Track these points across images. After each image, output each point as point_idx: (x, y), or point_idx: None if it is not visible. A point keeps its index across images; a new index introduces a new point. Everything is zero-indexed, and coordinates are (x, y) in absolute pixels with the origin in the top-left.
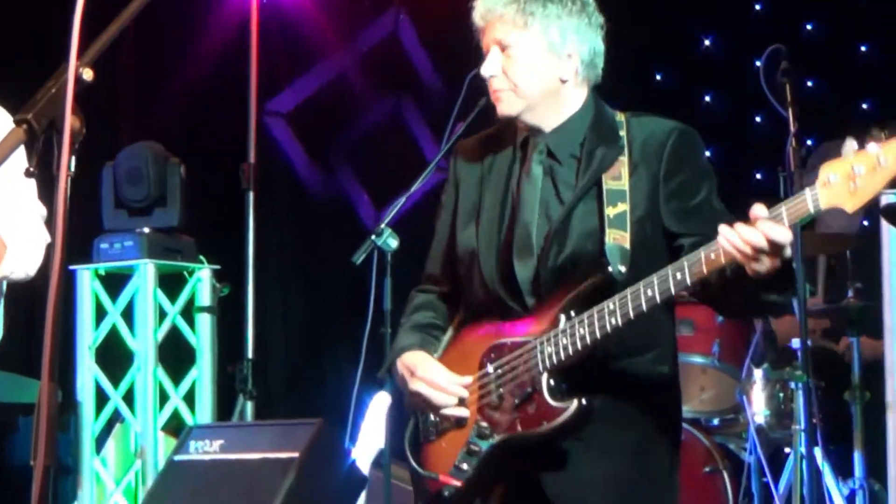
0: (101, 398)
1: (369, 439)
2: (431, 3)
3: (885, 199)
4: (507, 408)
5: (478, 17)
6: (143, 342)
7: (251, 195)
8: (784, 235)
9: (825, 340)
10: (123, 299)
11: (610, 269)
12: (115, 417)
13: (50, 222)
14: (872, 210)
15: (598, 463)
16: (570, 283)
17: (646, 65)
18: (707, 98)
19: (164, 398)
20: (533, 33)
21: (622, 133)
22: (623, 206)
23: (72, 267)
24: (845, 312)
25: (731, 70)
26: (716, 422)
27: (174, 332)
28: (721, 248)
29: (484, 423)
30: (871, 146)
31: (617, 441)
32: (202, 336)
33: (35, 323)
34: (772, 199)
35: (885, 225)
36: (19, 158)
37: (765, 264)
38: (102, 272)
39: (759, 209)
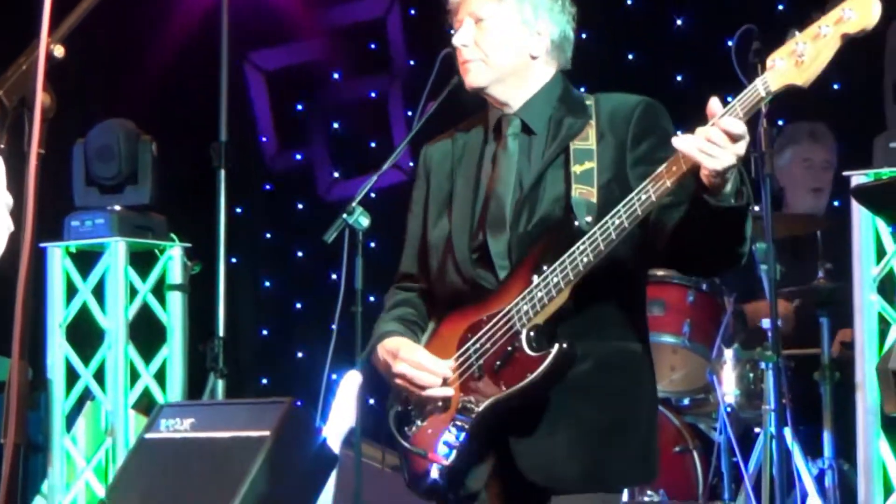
0: (72, 376)
1: (340, 418)
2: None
3: (856, 180)
4: (490, 374)
5: None
6: (114, 320)
7: (222, 173)
8: (740, 127)
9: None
10: (94, 277)
11: (577, 222)
12: (86, 395)
13: (18, 202)
14: (843, 191)
15: (574, 441)
16: (538, 245)
17: (617, 46)
18: (679, 78)
19: (134, 376)
20: (508, 6)
21: (589, 103)
22: (590, 164)
23: (42, 244)
24: (816, 293)
25: (702, 50)
26: (686, 402)
27: (145, 310)
28: (680, 153)
29: (468, 398)
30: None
31: (591, 419)
32: (173, 314)
33: (5, 301)
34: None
35: (855, 205)
36: None
37: (722, 160)
38: (73, 250)
39: (715, 104)
